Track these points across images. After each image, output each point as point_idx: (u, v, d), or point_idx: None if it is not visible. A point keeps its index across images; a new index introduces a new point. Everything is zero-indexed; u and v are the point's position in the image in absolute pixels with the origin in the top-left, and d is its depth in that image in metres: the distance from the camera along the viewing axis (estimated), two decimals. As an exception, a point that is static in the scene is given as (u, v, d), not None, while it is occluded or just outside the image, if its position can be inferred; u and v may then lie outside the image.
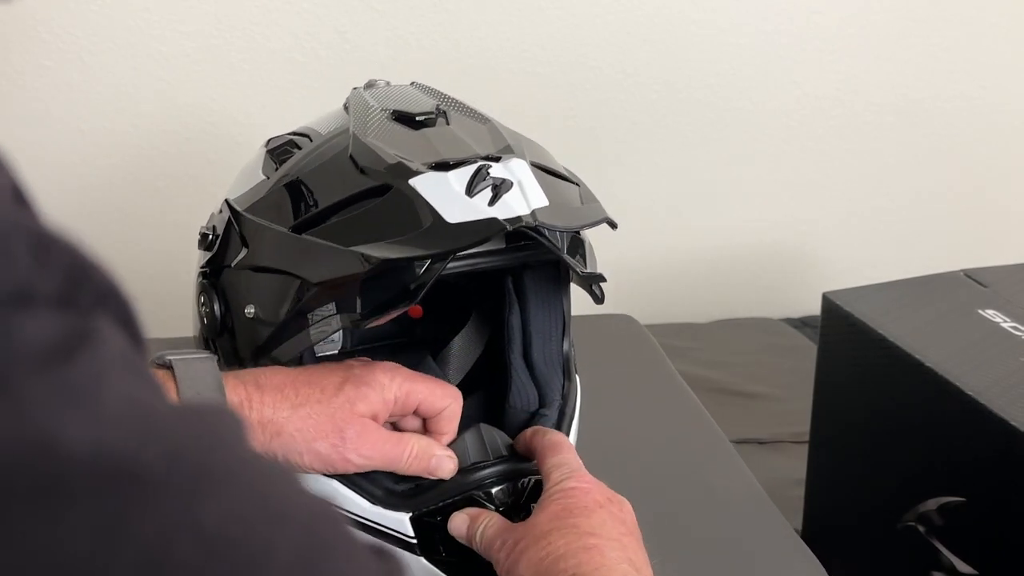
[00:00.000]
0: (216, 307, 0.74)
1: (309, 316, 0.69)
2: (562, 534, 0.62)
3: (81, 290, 0.32)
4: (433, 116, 0.71)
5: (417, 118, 0.71)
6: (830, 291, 1.00)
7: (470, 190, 0.63)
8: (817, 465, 1.06)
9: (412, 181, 0.64)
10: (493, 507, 0.69)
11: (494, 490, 0.69)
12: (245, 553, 0.31)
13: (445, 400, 0.71)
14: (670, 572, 0.74)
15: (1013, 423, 0.79)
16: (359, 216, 0.66)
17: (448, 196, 0.63)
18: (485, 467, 0.70)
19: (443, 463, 0.69)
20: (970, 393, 0.83)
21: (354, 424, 0.67)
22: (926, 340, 0.90)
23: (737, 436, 0.91)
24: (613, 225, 0.69)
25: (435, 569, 0.69)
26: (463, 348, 0.83)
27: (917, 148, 1.68)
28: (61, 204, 1.39)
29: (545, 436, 0.72)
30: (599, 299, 0.73)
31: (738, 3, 1.53)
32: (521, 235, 0.66)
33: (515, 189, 0.64)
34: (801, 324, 1.60)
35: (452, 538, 0.68)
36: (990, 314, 0.94)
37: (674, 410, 0.94)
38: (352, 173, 0.68)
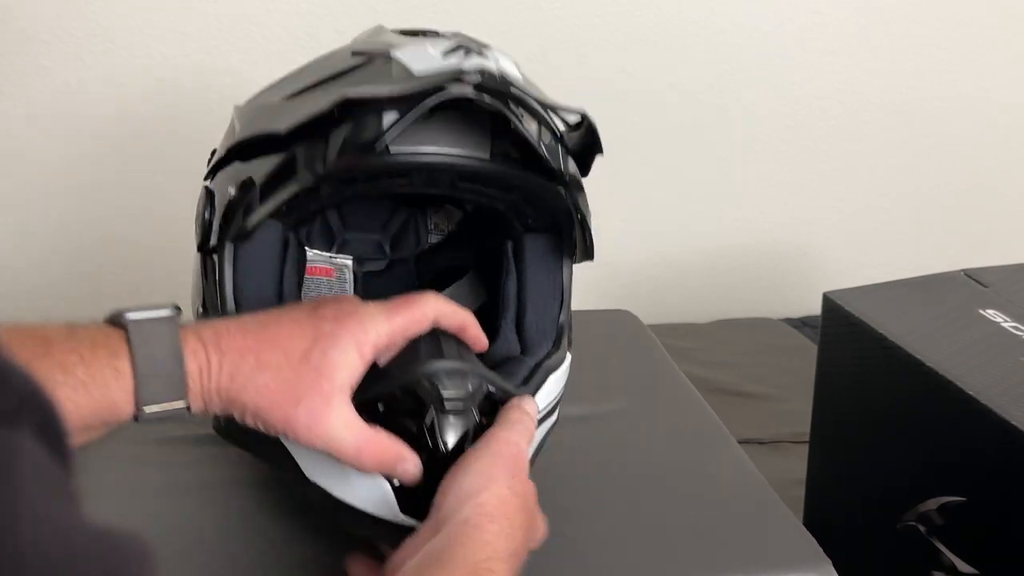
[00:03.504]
0: (207, 213, 0.73)
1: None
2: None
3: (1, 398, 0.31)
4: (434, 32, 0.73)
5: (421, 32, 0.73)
6: (830, 291, 1.00)
7: (445, 55, 0.65)
8: (817, 465, 1.06)
9: (393, 52, 0.66)
10: (441, 410, 0.65)
11: (446, 393, 0.65)
12: None
13: (427, 315, 0.68)
14: (675, 564, 0.74)
15: (1013, 423, 0.79)
16: (339, 79, 0.68)
17: (422, 57, 0.65)
18: (437, 362, 0.66)
19: (407, 468, 0.65)
20: (970, 393, 0.83)
21: (310, 397, 0.62)
22: (926, 340, 0.90)
23: (737, 436, 0.91)
24: (593, 149, 0.71)
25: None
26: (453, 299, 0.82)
27: (917, 148, 1.68)
28: (61, 204, 1.39)
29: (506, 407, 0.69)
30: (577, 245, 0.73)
31: (738, 3, 1.53)
32: (503, 135, 0.67)
33: (490, 58, 0.65)
34: (801, 324, 1.60)
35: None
36: (990, 314, 0.94)
37: (675, 405, 0.94)
38: (346, 57, 0.70)
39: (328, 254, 0.88)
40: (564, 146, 0.72)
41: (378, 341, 0.65)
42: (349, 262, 0.88)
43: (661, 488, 0.82)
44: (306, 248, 0.84)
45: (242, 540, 0.73)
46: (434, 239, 0.90)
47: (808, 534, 0.78)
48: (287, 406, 0.62)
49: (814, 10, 1.56)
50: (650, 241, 1.62)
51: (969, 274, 1.02)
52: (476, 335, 0.71)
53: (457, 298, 0.81)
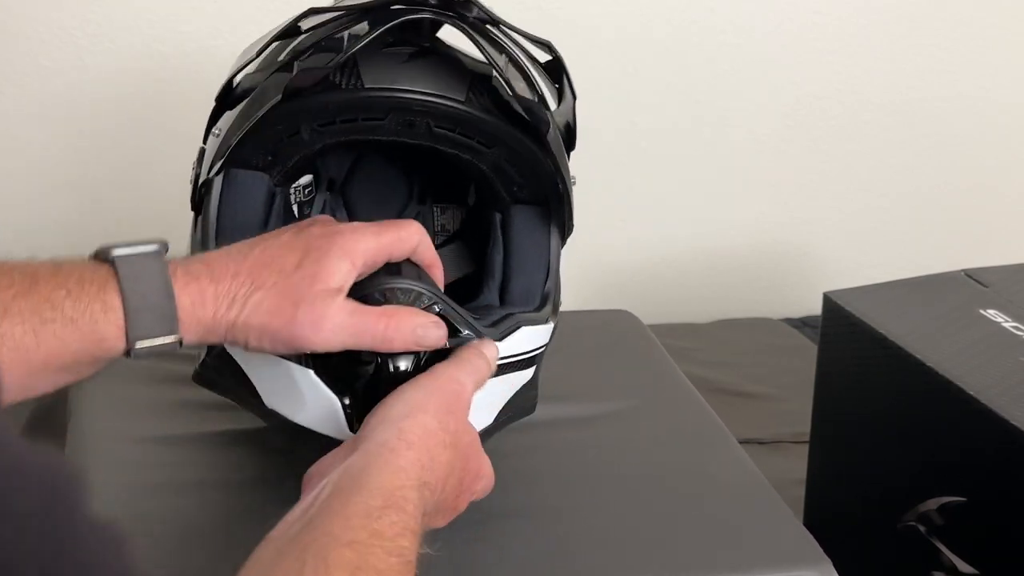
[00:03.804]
0: (196, 169, 0.76)
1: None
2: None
3: None
4: None
5: None
6: (830, 291, 1.00)
7: None
8: (817, 465, 1.06)
9: None
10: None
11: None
12: None
13: (412, 238, 0.68)
14: (675, 563, 0.74)
15: (1014, 423, 0.79)
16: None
17: None
18: (393, 278, 0.67)
19: (429, 331, 0.66)
20: (971, 393, 0.83)
21: (309, 299, 0.62)
22: (927, 340, 0.90)
23: (737, 436, 0.91)
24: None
25: (320, 383, 0.67)
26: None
27: (917, 148, 1.68)
28: (61, 204, 1.39)
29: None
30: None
31: (738, 3, 1.53)
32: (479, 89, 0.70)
33: None
34: (801, 324, 1.59)
35: (342, 354, 0.65)
36: (991, 314, 0.94)
37: (675, 405, 0.94)
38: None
39: None
40: (544, 104, 0.74)
41: (366, 253, 0.65)
42: None
43: (661, 487, 0.82)
44: None
45: (241, 538, 0.73)
46: (439, 241, 0.90)
47: (808, 534, 0.78)
48: (288, 313, 0.62)
49: (814, 10, 1.56)
50: (650, 241, 1.62)
51: (969, 274, 1.02)
52: (440, 277, 0.72)
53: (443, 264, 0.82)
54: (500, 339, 0.71)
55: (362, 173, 0.88)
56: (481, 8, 0.71)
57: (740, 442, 0.90)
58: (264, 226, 0.75)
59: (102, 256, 0.61)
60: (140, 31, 1.34)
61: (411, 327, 0.65)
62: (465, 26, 0.70)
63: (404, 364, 0.66)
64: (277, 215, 0.77)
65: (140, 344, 0.60)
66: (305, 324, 0.62)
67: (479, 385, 0.68)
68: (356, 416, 0.66)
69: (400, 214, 0.90)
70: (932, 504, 0.88)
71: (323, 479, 0.59)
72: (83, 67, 1.34)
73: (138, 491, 0.78)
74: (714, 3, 1.52)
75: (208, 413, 0.86)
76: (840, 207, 1.68)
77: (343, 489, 0.57)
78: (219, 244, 0.72)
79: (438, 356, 0.67)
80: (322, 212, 0.86)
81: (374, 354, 0.65)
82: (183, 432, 0.84)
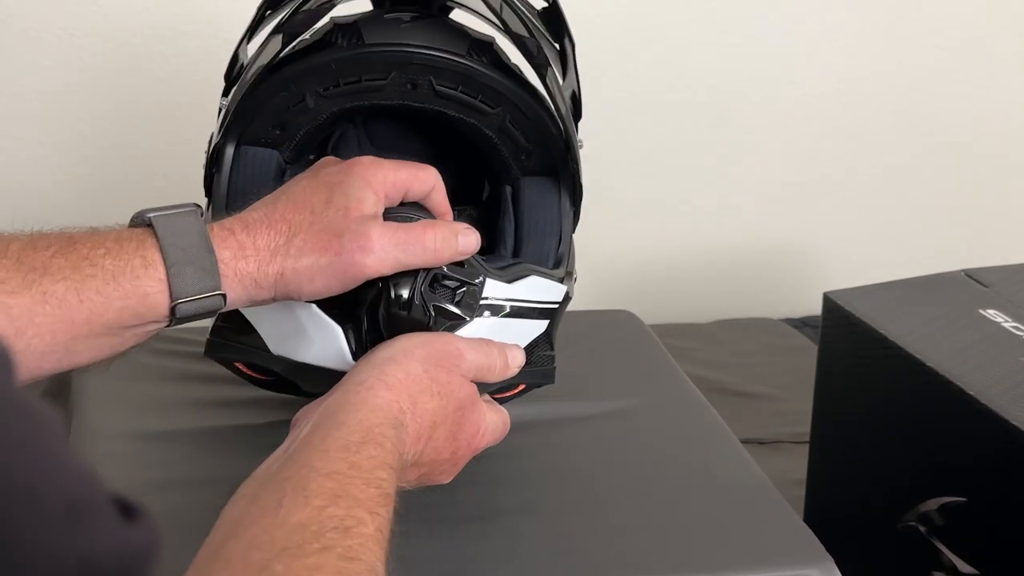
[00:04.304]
0: (207, 151, 0.76)
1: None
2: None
3: None
4: None
5: None
6: (830, 291, 1.00)
7: None
8: (817, 465, 1.06)
9: None
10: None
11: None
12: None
13: (430, 179, 0.69)
14: (676, 560, 0.74)
15: (1014, 423, 0.79)
16: None
17: None
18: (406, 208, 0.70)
19: (469, 238, 0.67)
20: (971, 393, 0.83)
21: (350, 227, 0.63)
22: (927, 340, 0.90)
23: (737, 436, 0.91)
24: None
25: (323, 314, 0.67)
26: None
27: (917, 148, 1.68)
28: (61, 205, 1.39)
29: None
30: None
31: (738, 3, 1.53)
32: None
33: None
34: (801, 324, 1.59)
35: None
36: (991, 314, 0.94)
37: (677, 404, 0.94)
38: None
39: None
40: (542, 66, 0.75)
41: (386, 182, 0.66)
42: None
43: (663, 485, 0.82)
44: None
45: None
46: None
47: (810, 532, 0.78)
48: (335, 245, 0.62)
49: (814, 10, 1.56)
50: (650, 241, 1.62)
51: (969, 274, 1.02)
52: (446, 215, 0.73)
53: None
54: (510, 281, 0.72)
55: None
56: None
57: (740, 442, 0.90)
58: None
59: (138, 220, 0.62)
60: (140, 31, 1.34)
61: (453, 235, 0.66)
62: None
63: (404, 291, 0.66)
64: None
65: (184, 301, 0.60)
66: (355, 250, 0.62)
67: (482, 369, 0.67)
68: (358, 344, 0.67)
69: None
70: (932, 504, 0.88)
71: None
72: (83, 67, 1.34)
73: (139, 488, 0.78)
74: (715, 3, 1.52)
75: (208, 411, 0.86)
76: (840, 207, 1.68)
77: (321, 425, 0.58)
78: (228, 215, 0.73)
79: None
80: None
81: (374, 282, 0.66)
82: (184, 429, 0.84)
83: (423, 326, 0.67)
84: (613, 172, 1.54)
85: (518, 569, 0.72)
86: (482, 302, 0.70)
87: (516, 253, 0.78)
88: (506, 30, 0.72)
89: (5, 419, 0.33)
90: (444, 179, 0.82)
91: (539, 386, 0.79)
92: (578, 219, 0.80)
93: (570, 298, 0.78)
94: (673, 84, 1.54)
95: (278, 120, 0.74)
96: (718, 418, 0.92)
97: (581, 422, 0.88)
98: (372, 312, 0.66)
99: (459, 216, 0.83)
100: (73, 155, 1.38)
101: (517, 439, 0.76)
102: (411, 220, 0.67)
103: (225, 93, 0.77)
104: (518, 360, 0.71)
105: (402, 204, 0.70)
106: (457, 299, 0.68)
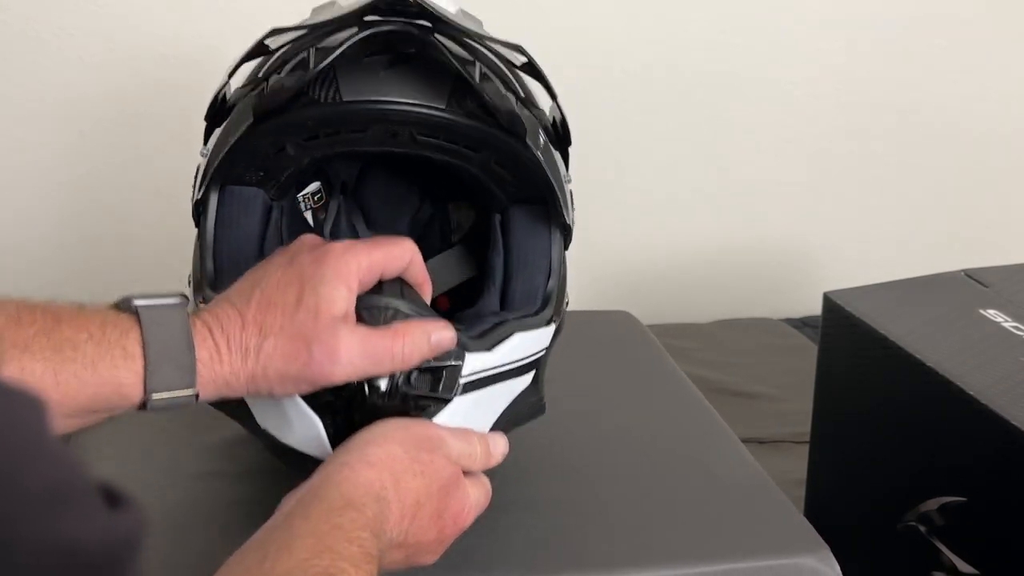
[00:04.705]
0: (194, 188, 0.76)
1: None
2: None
3: None
4: None
5: None
6: (830, 291, 1.00)
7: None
8: (817, 465, 1.06)
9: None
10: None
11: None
12: None
13: (405, 255, 0.69)
14: (675, 552, 0.75)
15: (1013, 423, 0.79)
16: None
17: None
18: (370, 296, 0.68)
19: (442, 335, 0.66)
20: (971, 393, 0.83)
21: (319, 335, 0.62)
22: (927, 340, 0.90)
23: (737, 436, 0.91)
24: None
25: (304, 406, 0.67)
26: (438, 269, 0.82)
27: (917, 148, 1.68)
28: (61, 205, 1.39)
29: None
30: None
31: (738, 3, 1.53)
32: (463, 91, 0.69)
33: None
34: (801, 324, 1.60)
35: None
36: (991, 314, 0.94)
37: (676, 404, 0.94)
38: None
39: None
40: (526, 105, 0.73)
41: (359, 271, 0.65)
42: None
43: (661, 481, 0.83)
44: None
45: (238, 528, 0.74)
46: (457, 238, 0.90)
47: (806, 521, 0.79)
48: (303, 355, 0.62)
49: (814, 10, 1.56)
50: (650, 241, 1.62)
51: (969, 274, 1.02)
52: (428, 295, 0.72)
53: (444, 269, 0.82)
54: (490, 348, 0.71)
55: (373, 175, 0.88)
56: (449, 22, 0.70)
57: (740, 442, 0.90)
58: (262, 239, 0.76)
59: (124, 305, 0.62)
60: (140, 31, 1.34)
61: (424, 338, 0.65)
62: (434, 38, 0.69)
63: (383, 384, 0.66)
64: (275, 228, 0.77)
65: (157, 396, 0.60)
66: (323, 362, 0.63)
67: (463, 456, 0.67)
68: (337, 434, 0.67)
69: (415, 214, 0.90)
70: (932, 504, 0.88)
71: None
72: (83, 67, 1.34)
73: (139, 486, 0.78)
74: (714, 3, 1.52)
75: (208, 408, 0.86)
76: (840, 207, 1.69)
77: (303, 501, 0.59)
78: (215, 261, 0.73)
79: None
80: (337, 217, 0.86)
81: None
82: (184, 425, 0.84)
83: (404, 414, 0.67)
84: (612, 172, 1.54)
85: (518, 564, 0.73)
86: (462, 381, 0.69)
87: (504, 290, 0.77)
88: (488, 92, 0.70)
89: None
90: (443, 178, 0.83)
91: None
92: (569, 242, 0.80)
93: (560, 331, 0.78)
94: (673, 84, 1.54)
95: (260, 165, 0.74)
96: (717, 417, 0.93)
97: (579, 422, 0.88)
98: (349, 404, 0.66)
99: (447, 256, 0.83)
100: (73, 155, 1.38)
101: (516, 439, 0.76)
102: (384, 311, 0.66)
103: (207, 134, 0.76)
104: (500, 448, 0.70)
105: (380, 283, 0.69)
106: (438, 383, 0.68)
